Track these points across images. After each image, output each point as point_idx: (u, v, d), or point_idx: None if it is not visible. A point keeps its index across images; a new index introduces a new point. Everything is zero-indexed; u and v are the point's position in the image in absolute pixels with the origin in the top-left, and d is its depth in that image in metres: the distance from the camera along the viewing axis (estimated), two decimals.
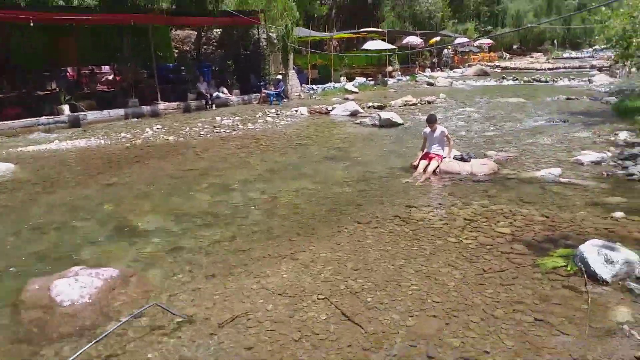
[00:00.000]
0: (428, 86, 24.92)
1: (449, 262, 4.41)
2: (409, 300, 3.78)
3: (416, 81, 27.17)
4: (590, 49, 50.17)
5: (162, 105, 15.81)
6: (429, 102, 17.58)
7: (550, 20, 44.25)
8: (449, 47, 34.75)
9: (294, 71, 20.76)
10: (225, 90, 18.04)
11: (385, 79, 25.95)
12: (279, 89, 18.15)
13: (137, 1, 14.27)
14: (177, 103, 16.31)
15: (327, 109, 16.03)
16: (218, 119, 14.25)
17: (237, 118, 14.41)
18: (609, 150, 8.64)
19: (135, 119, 14.78)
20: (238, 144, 11.02)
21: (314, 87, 22.20)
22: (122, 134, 12.28)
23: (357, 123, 13.68)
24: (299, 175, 7.99)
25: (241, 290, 4.05)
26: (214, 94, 17.20)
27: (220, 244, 5.13)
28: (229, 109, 16.63)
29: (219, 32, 20.79)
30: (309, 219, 5.79)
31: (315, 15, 30.57)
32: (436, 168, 7.72)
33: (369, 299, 3.81)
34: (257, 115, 14.85)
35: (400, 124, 12.97)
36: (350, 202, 6.40)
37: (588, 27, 28.38)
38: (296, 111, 15.78)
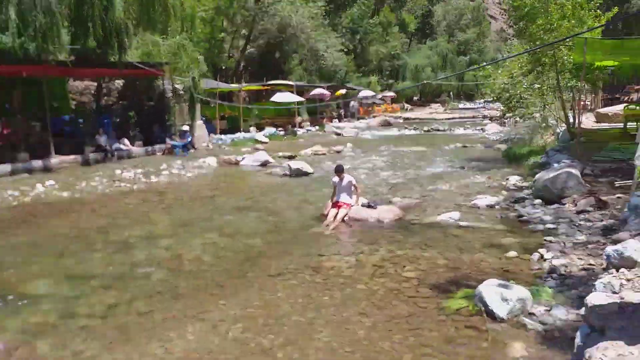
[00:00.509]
0: (336, 136, 25.79)
1: (359, 310, 4.42)
2: (320, 353, 3.70)
3: (324, 131, 28.06)
4: (482, 101, 55.24)
5: (55, 159, 14.71)
6: (337, 152, 18.13)
7: (446, 77, 48.43)
8: (355, 99, 36.49)
9: (201, 122, 20.53)
10: (127, 142, 17.31)
11: (295, 129, 26.51)
12: (185, 140, 17.79)
13: (30, 52, 13.32)
14: (74, 156, 15.28)
15: (236, 159, 15.93)
16: (118, 172, 13.53)
17: (139, 171, 13.78)
18: (501, 194, 9.36)
19: (26, 175, 13.60)
20: (140, 198, 10.50)
21: (223, 137, 22.07)
22: (9, 192, 11.16)
23: (268, 173, 13.71)
24: (207, 229, 7.73)
25: (143, 358, 3.73)
26: (115, 146, 16.43)
27: (119, 307, 4.74)
28: (131, 161, 15.91)
29: (121, 83, 20.21)
30: (217, 275, 5.57)
31: (224, 67, 30.89)
32: (345, 216, 7.87)
33: (279, 356, 3.67)
34: (162, 167, 14.34)
35: (310, 173, 13.17)
36: (261, 255, 6.28)
37: (479, 82, 31.34)
38: (204, 162, 15.49)
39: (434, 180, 11.58)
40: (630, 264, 3.60)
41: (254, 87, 29.09)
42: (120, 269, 5.89)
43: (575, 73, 12.88)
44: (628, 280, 3.37)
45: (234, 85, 27.68)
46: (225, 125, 24.37)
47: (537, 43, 12.74)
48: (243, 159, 15.96)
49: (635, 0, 31.06)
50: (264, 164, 15.12)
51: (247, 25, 34.28)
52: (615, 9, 13.45)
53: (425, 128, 28.88)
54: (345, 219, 7.83)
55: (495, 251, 6.01)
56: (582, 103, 16.68)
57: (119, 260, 6.25)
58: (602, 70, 14.15)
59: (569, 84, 13.83)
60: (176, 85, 19.42)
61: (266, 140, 22.15)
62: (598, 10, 12.64)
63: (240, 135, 22.89)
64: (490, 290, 4.26)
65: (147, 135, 18.36)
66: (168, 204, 9.90)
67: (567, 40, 11.22)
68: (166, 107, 18.99)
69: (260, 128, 25.60)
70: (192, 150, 18.18)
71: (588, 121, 17.32)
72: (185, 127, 18.42)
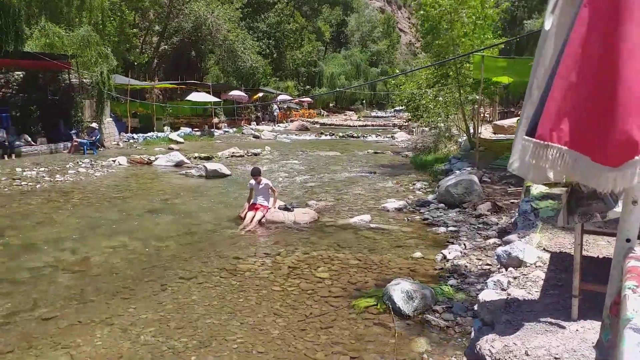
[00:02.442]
0: (254, 139, 25.69)
1: (273, 311, 4.52)
2: (234, 354, 3.75)
3: (243, 133, 27.83)
4: (392, 110, 57.70)
5: None
6: (255, 154, 18.11)
7: (359, 85, 50.08)
8: (276, 102, 36.56)
9: (111, 119, 19.55)
10: (28, 138, 16.06)
11: (212, 130, 26.04)
12: (93, 138, 16.84)
13: None
14: None
15: (149, 159, 15.36)
16: (19, 170, 12.54)
17: (42, 169, 12.86)
18: (408, 198, 9.93)
19: None
20: (44, 199, 9.81)
21: (135, 136, 21.15)
22: None
23: (183, 174, 13.38)
24: (117, 232, 7.43)
25: None
26: (14, 142, 15.16)
27: (20, 314, 4.46)
28: (33, 158, 14.77)
29: (22, 75, 18.67)
30: (127, 279, 5.39)
31: (136, 64, 29.57)
32: (262, 218, 7.94)
33: (193, 358, 3.68)
34: (68, 166, 13.48)
35: (227, 175, 13.05)
36: (174, 258, 6.16)
37: (389, 92, 32.83)
38: (114, 161, 14.77)
39: (348, 184, 11.98)
40: (517, 263, 4.03)
41: (168, 85, 28.14)
42: (22, 274, 5.51)
43: (474, 87, 13.98)
44: (514, 278, 3.78)
45: (147, 83, 26.60)
46: (137, 123, 23.36)
47: (442, 57, 13.71)
48: (156, 158, 15.43)
49: (527, 25, 34.18)
50: (179, 165, 14.73)
51: (160, 21, 33.12)
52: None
53: (341, 134, 29.61)
54: (262, 221, 7.90)
55: (403, 252, 6.40)
56: (481, 115, 18.12)
57: (20, 265, 5.84)
58: (497, 86, 15.49)
59: (469, 97, 14.98)
60: (84, 80, 18.31)
61: (181, 140, 21.54)
62: (498, 32, 13.85)
63: (153, 134, 22.07)
64: (397, 289, 4.56)
65: (52, 131, 17.13)
66: (74, 204, 9.34)
67: (468, 56, 12.18)
68: (72, 103, 17.83)
69: (175, 128, 24.83)
70: (100, 149, 17.24)
71: (486, 132, 18.83)
72: (94, 124, 17.42)
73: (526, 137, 1.70)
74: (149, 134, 21.87)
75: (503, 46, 14.89)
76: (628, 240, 1.60)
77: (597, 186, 1.51)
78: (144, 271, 5.66)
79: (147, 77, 29.96)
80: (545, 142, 1.60)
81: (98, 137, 17.18)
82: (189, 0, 32.66)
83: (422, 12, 13.97)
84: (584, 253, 3.81)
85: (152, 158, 15.48)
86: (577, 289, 2.73)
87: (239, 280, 5.36)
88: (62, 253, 6.34)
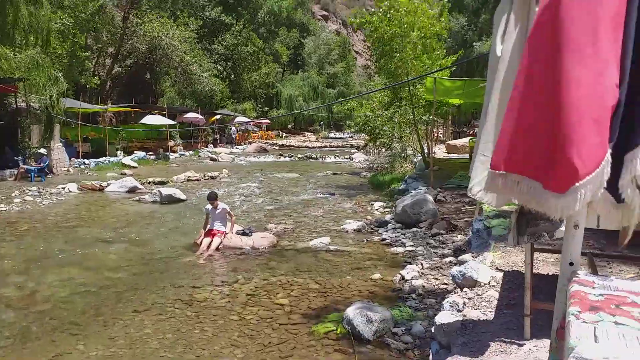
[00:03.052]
0: (211, 162, 25.37)
1: (231, 342, 4.40)
2: None
3: (199, 156, 27.45)
4: (350, 131, 58.46)
5: None
6: (212, 178, 17.84)
7: (317, 107, 50.61)
8: (234, 125, 36.31)
9: (61, 144, 18.86)
10: None
11: (167, 153, 25.54)
12: (41, 164, 16.17)
13: None
14: None
15: (101, 185, 14.85)
16: None
17: None
18: (367, 219, 10.00)
19: None
20: None
21: (86, 161, 20.47)
22: None
23: (137, 200, 12.99)
24: (66, 263, 7.09)
25: None
26: None
27: None
28: None
29: None
30: (76, 314, 5.14)
31: (88, 86, 28.80)
32: (219, 244, 7.78)
33: None
34: (14, 195, 12.85)
35: (183, 200, 12.76)
36: (127, 289, 5.93)
37: (346, 114, 33.34)
38: (63, 188, 14.19)
39: (307, 206, 11.97)
40: (471, 283, 4.10)
41: (121, 108, 27.51)
42: None
43: (427, 108, 14.39)
44: (469, 298, 3.83)
45: (99, 106, 25.92)
46: (88, 148, 22.65)
47: (395, 80, 14.09)
48: (108, 184, 14.94)
49: (477, 47, 35.70)
50: (132, 191, 14.31)
51: (113, 43, 32.51)
52: (461, 52, 15.39)
53: (300, 155, 29.71)
54: (219, 247, 7.74)
55: (362, 273, 6.41)
56: (434, 135, 18.62)
57: None
58: (450, 106, 16.01)
59: (422, 118, 15.39)
60: (32, 104, 17.65)
61: (135, 165, 21.00)
62: (450, 57, 14.38)
63: (105, 159, 21.42)
64: (357, 313, 4.54)
65: None
66: (20, 235, 8.87)
67: (420, 78, 12.55)
68: (19, 128, 17.12)
69: (128, 152, 24.21)
70: (49, 176, 16.56)
71: (440, 151, 19.35)
72: (42, 150, 16.75)
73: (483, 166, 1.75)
74: (101, 159, 21.23)
75: (455, 68, 15.44)
76: (571, 264, 1.65)
77: (549, 212, 1.56)
78: (95, 304, 5.41)
79: (99, 100, 29.25)
80: (501, 172, 1.65)
81: (47, 163, 16.51)
82: (143, 22, 32.28)
83: (374, 36, 14.33)
84: (535, 271, 3.92)
85: (104, 184, 14.98)
86: (529, 307, 2.79)
87: (195, 310, 5.20)
88: (5, 289, 5.98)
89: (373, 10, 15.32)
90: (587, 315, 1.30)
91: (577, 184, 1.44)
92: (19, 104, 17.59)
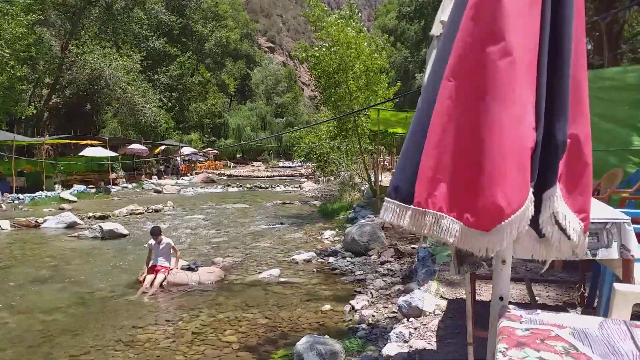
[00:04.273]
0: (155, 194, 24.68)
1: None
2: None
3: (143, 188, 26.64)
4: (299, 159, 58.85)
5: None
6: (156, 211, 17.31)
7: (266, 138, 50.83)
8: (180, 155, 35.65)
9: None
10: None
11: (109, 186, 24.63)
12: None
13: None
14: None
15: (36, 222, 14.05)
16: None
17: None
18: (317, 249, 9.99)
19: None
20: None
21: (21, 196, 19.37)
22: None
23: (75, 236, 12.36)
24: None
25: None
26: None
27: None
28: None
29: None
30: None
31: (23, 118, 27.50)
32: (163, 280, 7.50)
33: None
34: None
35: (125, 235, 12.27)
36: (63, 332, 5.58)
37: (294, 143, 33.63)
38: None
39: (256, 237, 11.82)
40: (417, 312, 4.15)
41: (60, 140, 26.38)
42: None
43: (373, 137, 14.74)
44: (415, 328, 3.88)
45: (35, 139, 24.76)
46: (23, 182, 21.48)
47: (340, 111, 14.39)
48: (45, 221, 14.16)
49: (418, 78, 37.19)
50: (71, 226, 13.63)
51: (51, 73, 31.37)
52: (399, 84, 15.99)
53: (248, 185, 29.48)
54: (163, 284, 7.46)
55: (312, 305, 6.35)
56: (380, 163, 19.06)
57: None
58: (394, 136, 16.48)
59: (369, 147, 15.75)
60: None
61: (74, 199, 20.08)
62: (397, 84, 14.89)
63: (42, 193, 20.36)
64: (306, 347, 4.48)
65: None
66: None
67: (365, 110, 12.90)
68: None
69: (67, 186, 23.14)
70: None
71: (387, 179, 19.73)
72: None
73: (393, 201, 1.78)
74: (38, 194, 20.17)
75: (397, 100, 16.00)
76: (501, 299, 1.71)
77: (473, 249, 1.61)
78: (28, 350, 5.05)
79: (36, 132, 27.95)
80: (423, 209, 1.69)
81: None
82: (83, 52, 31.40)
83: (318, 68, 14.63)
84: (478, 298, 4.04)
85: (40, 220, 14.19)
86: (471, 336, 2.85)
87: (137, 352, 4.95)
88: None
89: (317, 44, 15.71)
90: (514, 352, 1.34)
91: (503, 223, 1.51)
92: None
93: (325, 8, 14.71)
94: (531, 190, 1.55)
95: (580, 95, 1.64)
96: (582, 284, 3.77)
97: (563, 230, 1.60)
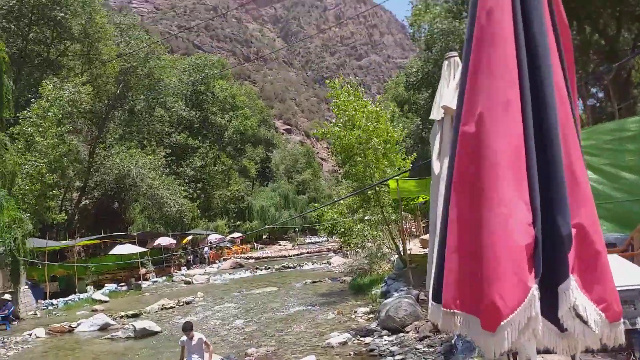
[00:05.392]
0: (185, 285, 24.61)
1: None
2: None
3: (173, 281, 26.65)
4: (324, 234, 58.57)
5: None
6: (187, 303, 17.18)
7: (292, 218, 51.27)
8: (207, 244, 35.94)
9: (27, 287, 18.11)
10: None
11: (139, 282, 24.72)
12: (5, 311, 15.34)
13: None
14: None
15: (70, 326, 14.05)
16: None
17: None
18: (351, 329, 9.67)
19: None
20: None
21: (54, 301, 19.55)
22: None
23: (109, 338, 12.28)
24: None
25: None
26: None
27: None
28: None
29: None
30: None
31: (55, 223, 28.40)
32: None
33: None
34: None
35: (157, 332, 12.15)
36: None
37: (318, 219, 33.77)
38: (30, 335, 13.36)
39: (288, 322, 11.56)
40: None
41: (90, 241, 26.98)
42: None
43: (395, 207, 14.70)
44: None
45: (67, 242, 25.39)
46: (56, 287, 21.78)
47: (360, 183, 14.56)
48: (78, 324, 14.16)
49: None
50: (104, 328, 13.57)
51: (80, 177, 32.75)
52: (414, 155, 16.20)
53: (277, 266, 29.25)
54: None
55: None
56: (407, 230, 18.82)
57: None
58: (416, 202, 16.42)
59: (392, 217, 15.65)
60: None
61: (106, 299, 20.16)
62: (405, 159, 15.14)
63: (75, 296, 20.53)
64: None
65: None
66: None
67: (385, 181, 13.02)
68: None
69: (99, 285, 23.34)
70: (15, 323, 15.65)
71: (416, 247, 19.38)
72: (7, 296, 15.99)
73: (434, 303, 1.78)
74: (71, 297, 20.35)
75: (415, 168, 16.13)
76: None
77: (486, 352, 1.58)
78: None
79: (67, 235, 28.69)
80: (451, 310, 1.69)
81: (11, 309, 15.69)
82: (110, 154, 32.90)
83: (336, 144, 15.01)
84: None
85: (74, 324, 14.20)
86: None
87: None
88: None
89: (332, 121, 16.23)
90: None
91: (502, 323, 1.49)
92: None
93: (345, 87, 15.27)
94: (535, 286, 1.52)
95: (577, 181, 1.64)
96: (630, 350, 3.53)
97: (585, 322, 1.55)
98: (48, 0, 27.58)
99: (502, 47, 1.68)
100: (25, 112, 23.40)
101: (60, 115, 24.16)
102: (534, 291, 1.51)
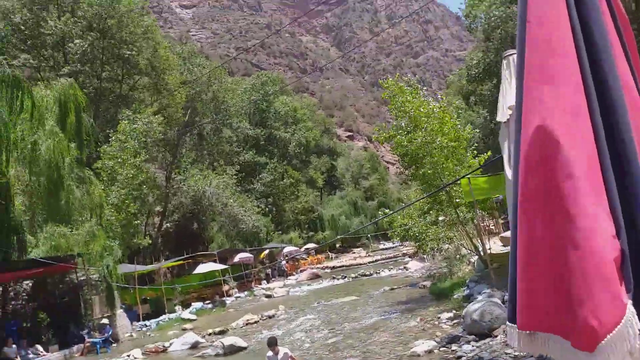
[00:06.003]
0: (266, 298, 25.17)
1: None
2: None
3: (254, 295, 27.35)
4: (398, 239, 57.69)
5: None
6: (270, 317, 17.55)
7: (363, 227, 51.21)
8: (282, 257, 36.71)
9: (121, 310, 19.32)
10: (40, 348, 15.67)
11: (223, 299, 25.61)
12: (105, 334, 16.44)
13: None
14: None
15: (163, 346, 14.82)
16: None
17: None
18: (436, 336, 9.44)
19: None
20: None
21: (147, 323, 20.69)
22: None
23: (200, 356, 12.81)
24: None
25: None
26: (27, 356, 14.75)
27: None
28: None
29: (30, 283, 18.92)
30: None
31: (140, 248, 30.17)
32: None
33: None
34: None
35: (244, 348, 12.50)
36: None
37: (388, 226, 33.48)
38: (128, 356, 14.23)
39: (371, 331, 11.47)
40: None
41: (174, 262, 28.40)
42: None
43: (470, 206, 14.20)
44: None
45: (153, 266, 26.88)
46: (148, 309, 23.05)
47: (430, 184, 14.19)
48: (171, 344, 14.90)
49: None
50: (195, 346, 14.18)
51: (160, 202, 34.62)
52: (489, 152, 15.55)
53: (353, 275, 29.21)
54: None
55: None
56: (486, 228, 18.09)
57: None
58: (492, 198, 15.76)
59: (467, 217, 15.12)
60: (91, 276, 18.51)
61: (194, 317, 21.07)
62: (476, 157, 14.62)
63: (165, 317, 21.62)
64: None
65: (63, 335, 16.82)
66: None
67: (456, 181, 12.61)
68: (81, 302, 17.79)
69: (186, 305, 24.44)
70: (114, 345, 16.73)
71: (495, 245, 18.57)
72: (105, 320, 17.16)
73: (510, 324, 1.70)
74: (161, 317, 21.44)
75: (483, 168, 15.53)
76: None
77: None
78: None
79: (152, 258, 30.37)
80: (530, 331, 1.60)
81: (110, 332, 16.80)
82: (185, 178, 34.58)
83: (399, 149, 14.77)
84: None
85: (167, 344, 14.95)
86: None
87: None
88: None
89: (393, 122, 16.04)
90: None
91: (603, 342, 1.38)
92: (79, 278, 18.44)
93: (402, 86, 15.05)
94: (630, 302, 1.41)
95: None
96: None
97: None
98: (116, 40, 29.61)
99: (561, 50, 1.58)
100: (105, 146, 25.13)
101: (137, 146, 25.71)
102: (630, 307, 1.40)
